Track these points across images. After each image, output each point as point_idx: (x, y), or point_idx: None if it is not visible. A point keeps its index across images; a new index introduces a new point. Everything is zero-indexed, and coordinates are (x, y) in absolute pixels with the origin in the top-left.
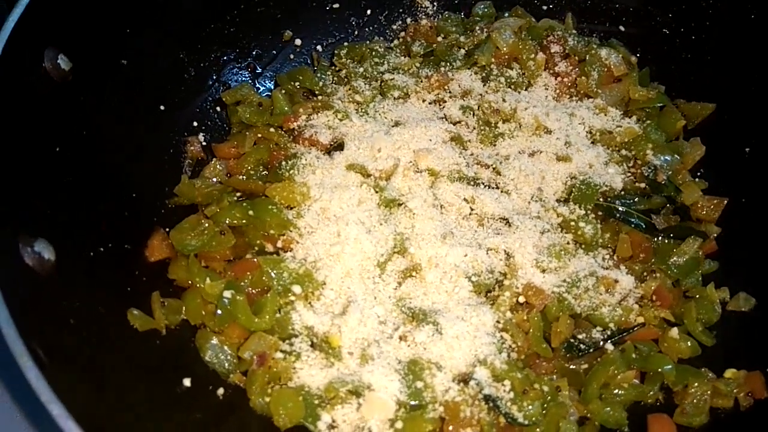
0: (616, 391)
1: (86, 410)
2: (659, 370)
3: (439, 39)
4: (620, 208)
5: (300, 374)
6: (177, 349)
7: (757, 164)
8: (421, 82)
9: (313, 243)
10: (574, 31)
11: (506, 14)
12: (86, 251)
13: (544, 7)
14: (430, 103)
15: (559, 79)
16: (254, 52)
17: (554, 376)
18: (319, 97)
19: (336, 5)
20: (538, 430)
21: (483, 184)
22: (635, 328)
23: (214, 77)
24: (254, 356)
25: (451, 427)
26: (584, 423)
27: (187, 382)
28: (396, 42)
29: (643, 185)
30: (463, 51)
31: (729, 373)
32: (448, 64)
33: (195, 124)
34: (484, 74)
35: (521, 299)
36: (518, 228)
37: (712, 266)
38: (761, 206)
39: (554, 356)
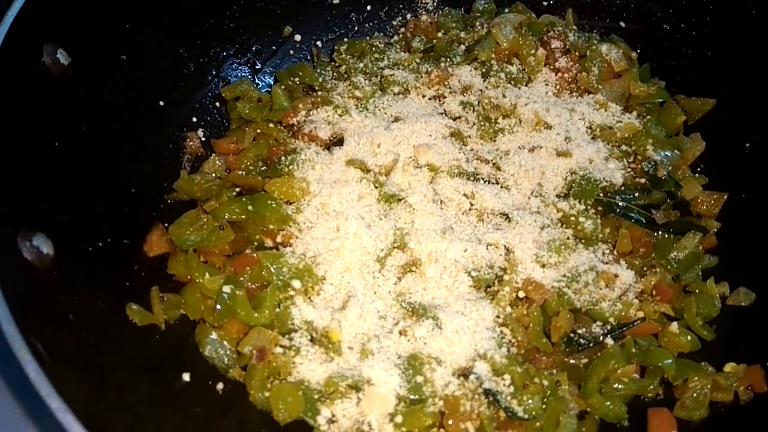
0: (616, 385)
1: (85, 404)
2: (659, 364)
3: (440, 35)
4: (620, 203)
5: (300, 369)
6: (176, 344)
7: (757, 160)
8: (421, 77)
9: (313, 238)
10: (575, 27)
11: (506, 10)
12: (85, 246)
13: (545, 3)
14: (430, 99)
15: (559, 74)
16: (254, 48)
17: (554, 371)
18: (319, 93)
19: (336, 1)
20: (537, 424)
21: (483, 179)
22: (635, 323)
23: (214, 73)
24: (254, 351)
25: (450, 422)
26: (584, 417)
27: (186, 376)
28: (396, 38)
29: (643, 180)
30: (463, 47)
31: (729, 367)
32: (448, 59)
33: (194, 119)
34: (484, 70)
35: (521, 294)
36: (518, 223)
37: (712, 261)
38: (761, 201)
39: (554, 351)
